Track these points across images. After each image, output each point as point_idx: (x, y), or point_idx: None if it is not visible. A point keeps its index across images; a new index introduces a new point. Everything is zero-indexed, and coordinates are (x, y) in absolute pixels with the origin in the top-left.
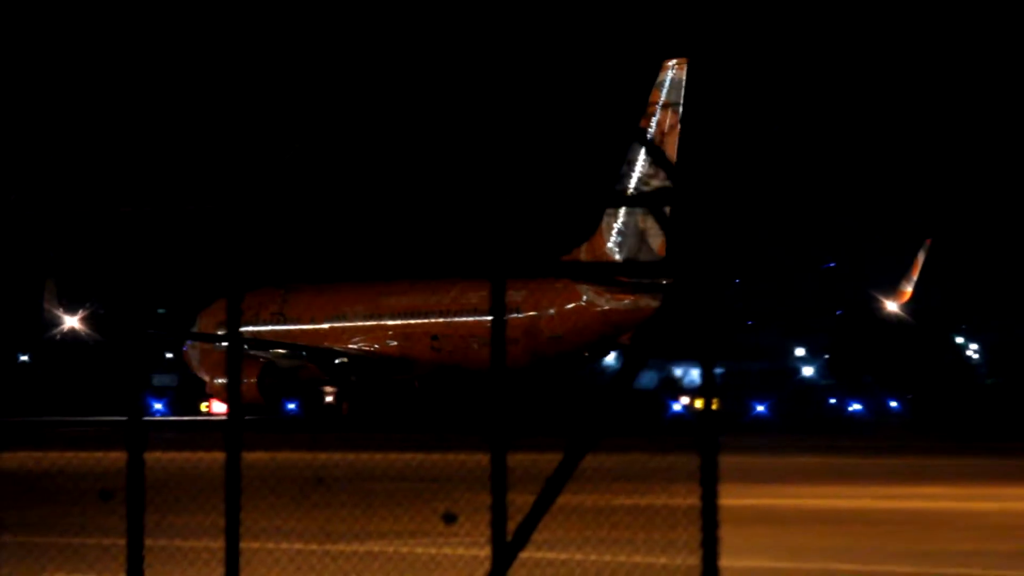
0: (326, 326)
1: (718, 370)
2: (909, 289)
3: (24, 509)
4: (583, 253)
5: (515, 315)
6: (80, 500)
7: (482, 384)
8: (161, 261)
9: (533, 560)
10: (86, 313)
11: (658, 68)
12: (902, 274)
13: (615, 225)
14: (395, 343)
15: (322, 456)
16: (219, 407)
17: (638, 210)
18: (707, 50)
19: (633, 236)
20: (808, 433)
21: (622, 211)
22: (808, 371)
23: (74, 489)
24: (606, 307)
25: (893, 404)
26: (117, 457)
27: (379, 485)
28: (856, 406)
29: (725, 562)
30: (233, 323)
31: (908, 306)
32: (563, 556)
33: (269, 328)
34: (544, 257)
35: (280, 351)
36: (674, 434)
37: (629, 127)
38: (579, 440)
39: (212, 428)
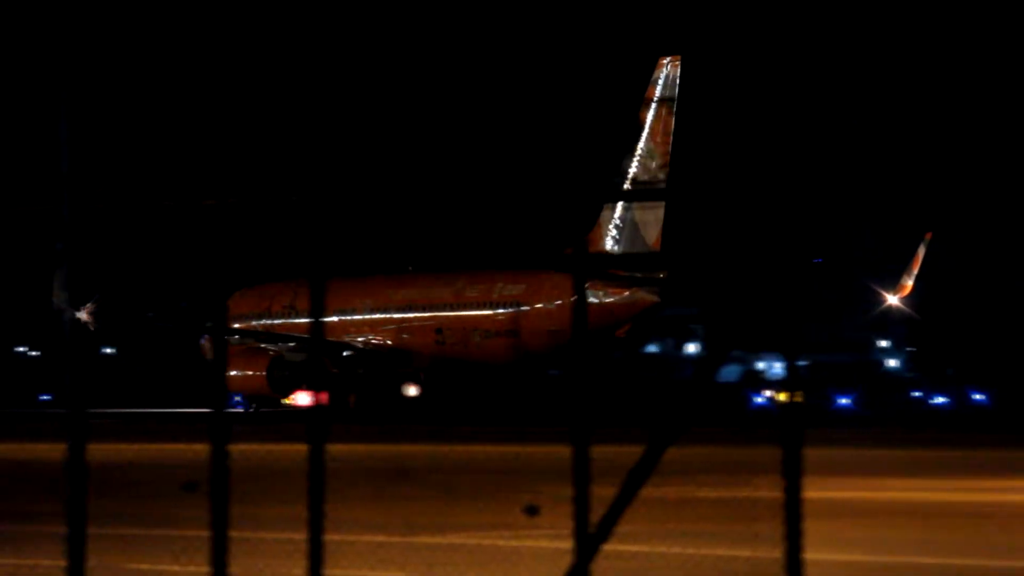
0: (335, 319)
1: (801, 363)
2: (910, 283)
3: (109, 501)
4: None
5: (514, 308)
6: (163, 492)
7: (485, 376)
8: (237, 254)
9: (616, 552)
10: (94, 306)
11: (653, 65)
12: (903, 268)
13: (612, 219)
14: (401, 336)
15: (403, 448)
16: (301, 400)
17: (634, 204)
18: (701, 47)
19: (630, 230)
20: (892, 426)
21: (619, 205)
22: (892, 364)
23: (158, 481)
24: (604, 301)
25: (977, 397)
26: (200, 449)
27: (460, 477)
28: (940, 399)
29: (809, 555)
30: (316, 312)
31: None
32: (646, 549)
33: (281, 321)
34: (544, 251)
35: (289, 344)
36: (757, 427)
37: (628, 122)
38: (662, 432)
39: (293, 420)
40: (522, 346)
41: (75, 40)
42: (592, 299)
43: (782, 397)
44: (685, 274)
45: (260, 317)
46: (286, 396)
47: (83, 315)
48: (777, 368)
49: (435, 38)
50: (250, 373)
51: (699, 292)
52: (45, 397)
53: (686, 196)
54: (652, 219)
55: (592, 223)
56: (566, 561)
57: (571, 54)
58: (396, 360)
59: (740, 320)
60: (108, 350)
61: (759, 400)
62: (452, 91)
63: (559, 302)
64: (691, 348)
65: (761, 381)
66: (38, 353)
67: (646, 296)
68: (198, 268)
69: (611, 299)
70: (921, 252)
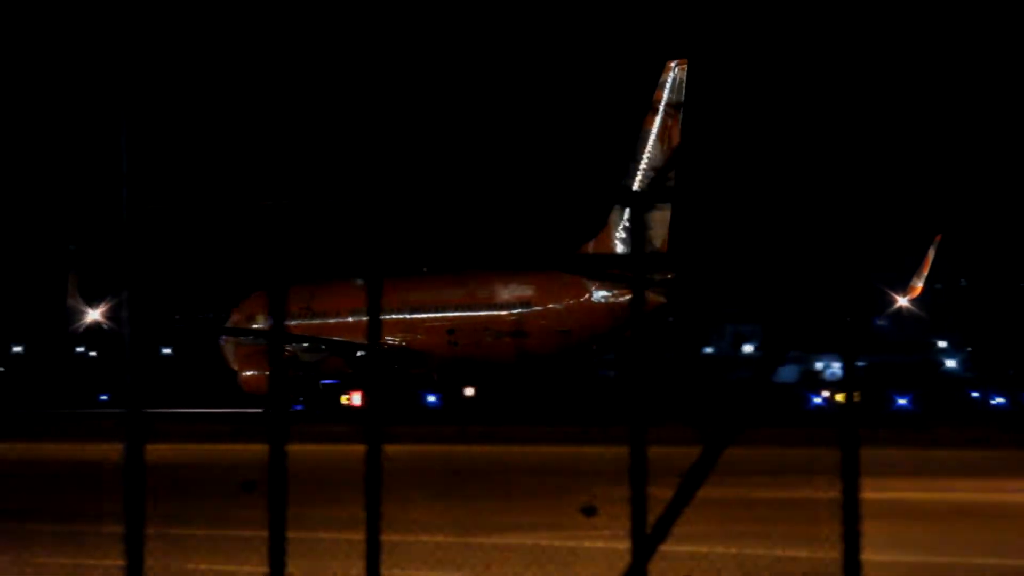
0: (350, 320)
1: (859, 363)
2: (920, 285)
3: (166, 501)
4: (592, 248)
5: (525, 309)
6: (217, 491)
7: (496, 375)
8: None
9: (673, 552)
10: (108, 306)
11: (661, 69)
12: (913, 270)
13: (621, 221)
14: (413, 336)
15: (458, 448)
16: (357, 400)
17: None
18: (708, 51)
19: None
20: (950, 426)
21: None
22: (951, 364)
23: (210, 480)
24: (612, 301)
25: None
26: (257, 449)
27: (514, 477)
28: (999, 399)
29: (866, 555)
30: (374, 310)
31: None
32: (703, 549)
33: (296, 322)
34: (555, 252)
35: (303, 344)
36: (814, 427)
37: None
38: (719, 433)
39: (350, 420)
40: (533, 346)
41: (134, 48)
42: (601, 299)
43: (840, 397)
44: (697, 275)
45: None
46: (299, 396)
47: (99, 315)
48: (835, 368)
49: (449, 45)
50: (265, 373)
51: (707, 293)
52: (104, 397)
53: (726, 198)
54: (659, 220)
55: (602, 224)
56: (624, 561)
57: (579, 59)
58: (410, 360)
59: (799, 321)
60: (166, 351)
61: (817, 400)
62: (465, 96)
63: (570, 302)
64: (748, 348)
65: (819, 381)
66: (96, 354)
67: (654, 297)
68: (222, 270)
69: (621, 299)
70: (931, 254)
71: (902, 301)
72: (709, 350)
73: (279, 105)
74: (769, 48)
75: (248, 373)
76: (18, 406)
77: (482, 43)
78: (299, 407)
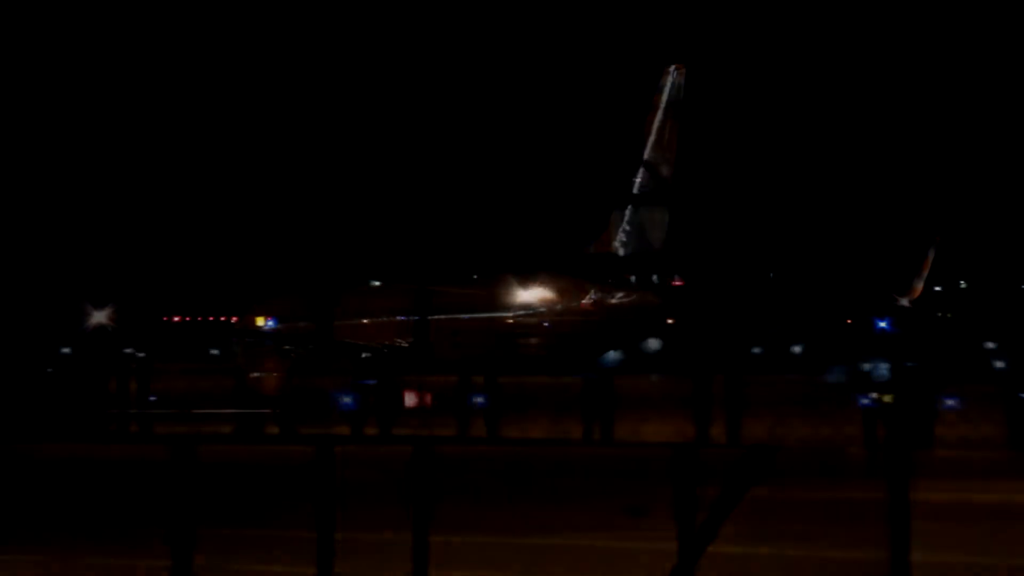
0: (357, 322)
1: (907, 363)
2: (920, 286)
3: (213, 501)
4: (593, 249)
5: (527, 311)
6: (260, 492)
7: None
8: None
9: (719, 553)
10: (111, 311)
11: (660, 73)
12: (913, 271)
13: (622, 223)
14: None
15: (503, 449)
16: (408, 401)
17: (643, 208)
18: (707, 55)
19: (636, 232)
20: (998, 427)
21: (628, 208)
22: (998, 364)
23: (253, 481)
24: (612, 303)
25: None
26: (303, 451)
27: (558, 479)
28: None
29: (915, 556)
30: (421, 310)
31: None
32: (750, 550)
33: (306, 324)
34: (556, 253)
35: (309, 345)
36: (862, 428)
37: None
38: (767, 437)
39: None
40: (535, 347)
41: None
42: (602, 300)
43: (887, 399)
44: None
45: (284, 320)
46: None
47: (103, 318)
48: (883, 369)
49: (450, 49)
50: (274, 374)
51: (706, 296)
52: (153, 398)
53: (725, 201)
54: (657, 221)
55: (603, 226)
56: (671, 562)
57: (581, 64)
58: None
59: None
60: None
61: (864, 401)
62: (467, 98)
63: (568, 304)
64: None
65: (867, 382)
66: (144, 355)
67: (652, 299)
68: (237, 273)
69: (619, 301)
70: (931, 255)
71: (903, 302)
72: (757, 350)
73: (293, 115)
74: (768, 50)
75: (257, 374)
76: (66, 407)
77: (483, 45)
78: (351, 405)
